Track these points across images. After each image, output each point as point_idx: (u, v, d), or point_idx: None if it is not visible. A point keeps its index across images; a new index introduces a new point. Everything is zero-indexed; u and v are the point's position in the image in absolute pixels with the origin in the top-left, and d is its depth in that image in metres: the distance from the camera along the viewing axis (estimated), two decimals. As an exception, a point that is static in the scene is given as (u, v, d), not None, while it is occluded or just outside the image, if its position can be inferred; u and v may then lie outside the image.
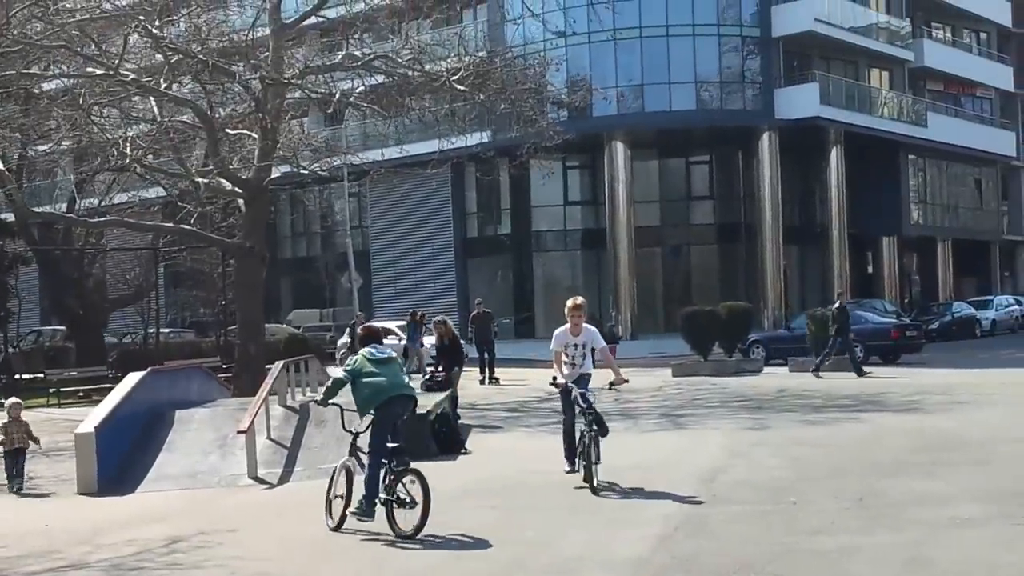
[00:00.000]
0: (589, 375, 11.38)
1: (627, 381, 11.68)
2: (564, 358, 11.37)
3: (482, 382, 25.48)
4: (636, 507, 10.18)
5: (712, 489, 10.87)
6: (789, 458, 12.76)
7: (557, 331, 11.53)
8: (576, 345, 11.34)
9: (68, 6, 22.85)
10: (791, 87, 43.36)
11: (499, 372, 26.70)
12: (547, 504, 10.53)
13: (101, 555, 9.45)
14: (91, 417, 14.17)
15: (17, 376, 31.43)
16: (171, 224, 28.26)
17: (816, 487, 10.67)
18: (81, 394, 26.26)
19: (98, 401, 23.91)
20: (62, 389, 26.36)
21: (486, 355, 26.43)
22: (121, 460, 14.02)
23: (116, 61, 22.60)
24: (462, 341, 20.11)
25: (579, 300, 11.51)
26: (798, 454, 13.03)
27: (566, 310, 11.39)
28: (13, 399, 14.64)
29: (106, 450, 13.52)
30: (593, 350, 11.48)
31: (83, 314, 34.03)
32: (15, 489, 13.51)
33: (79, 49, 23.24)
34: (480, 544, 8.88)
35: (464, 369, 19.98)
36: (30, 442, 13.96)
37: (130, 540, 9.99)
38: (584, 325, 11.34)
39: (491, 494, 11.29)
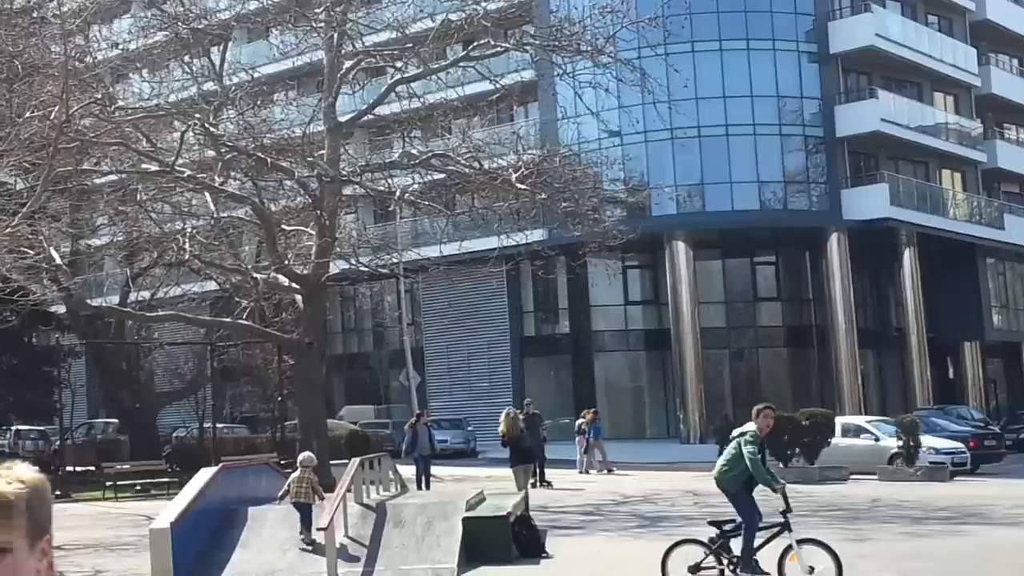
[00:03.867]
0: None
1: None
2: None
3: (533, 485, 24.37)
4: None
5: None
6: (900, 572, 11.85)
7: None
8: None
9: (121, 103, 22.97)
10: (859, 188, 42.61)
11: (558, 473, 26.13)
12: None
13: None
14: (165, 512, 14.02)
15: (70, 468, 30.94)
16: (229, 319, 28.19)
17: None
18: (138, 488, 26.04)
19: (155, 496, 24.60)
20: (118, 483, 26.01)
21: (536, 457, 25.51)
22: (196, 557, 13.84)
23: (173, 157, 22.60)
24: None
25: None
26: (909, 568, 12.40)
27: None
28: (307, 453, 15.08)
29: (181, 546, 13.34)
30: None
31: (137, 408, 33.83)
32: (303, 540, 13.90)
33: (134, 145, 23.24)
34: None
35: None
36: (315, 497, 14.28)
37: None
38: None
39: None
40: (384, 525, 14.29)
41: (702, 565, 10.25)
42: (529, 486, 23.69)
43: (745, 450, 10.32)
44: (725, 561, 10.25)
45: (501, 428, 21.97)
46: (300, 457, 14.95)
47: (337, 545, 13.27)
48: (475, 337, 44.50)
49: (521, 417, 23.96)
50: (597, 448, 29.59)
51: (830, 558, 10.02)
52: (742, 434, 10.65)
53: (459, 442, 38.36)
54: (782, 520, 10.25)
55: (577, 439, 30.23)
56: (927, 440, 26.68)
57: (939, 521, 16.90)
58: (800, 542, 10.18)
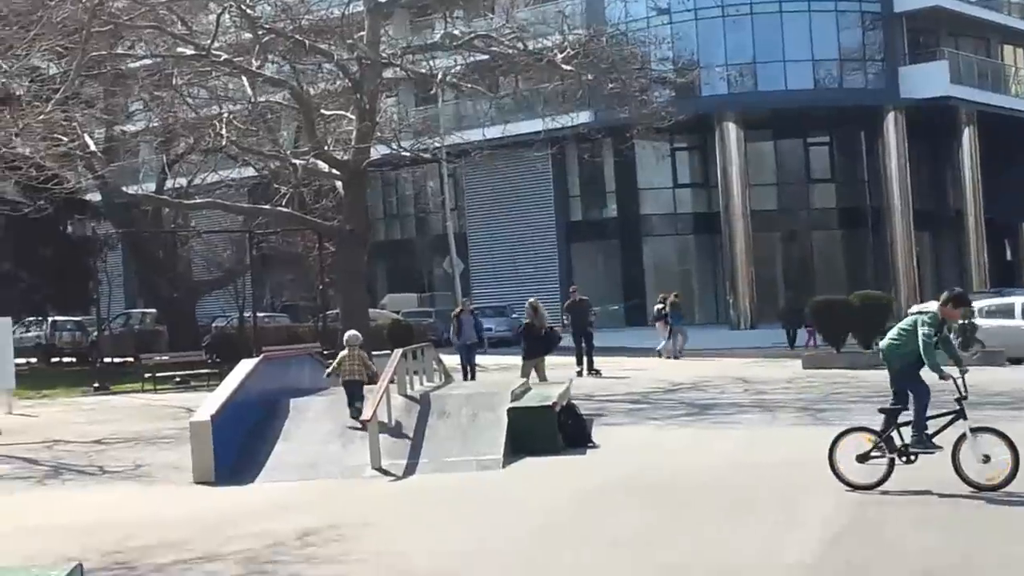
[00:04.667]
0: None
1: None
2: None
3: (579, 374, 24.03)
4: (795, 507, 9.64)
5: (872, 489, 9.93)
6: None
7: None
8: None
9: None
10: (917, 65, 41.39)
11: (605, 361, 25.58)
12: (700, 503, 10.19)
13: (233, 547, 9.15)
14: (206, 405, 13.90)
15: (108, 360, 30.86)
16: (268, 206, 27.86)
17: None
18: (178, 379, 25.88)
19: (195, 387, 24.65)
20: (157, 375, 25.82)
21: (583, 345, 25.05)
22: (238, 449, 13.67)
23: (209, 40, 22.02)
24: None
25: None
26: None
27: None
28: (352, 332, 15.01)
29: (222, 439, 13.19)
30: None
31: (175, 297, 33.56)
32: (352, 418, 13.84)
33: (169, 28, 22.60)
34: (638, 546, 8.61)
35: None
36: (367, 375, 14.28)
37: (261, 532, 9.67)
38: None
39: (639, 491, 10.94)
40: (428, 416, 14.12)
41: (871, 454, 9.87)
42: (576, 374, 23.50)
43: (920, 331, 9.79)
44: (895, 450, 9.85)
45: (529, 319, 21.54)
46: (346, 336, 14.83)
47: (380, 436, 13.07)
48: (520, 222, 43.95)
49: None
50: (679, 334, 29.34)
51: (1007, 448, 9.44)
52: (921, 312, 10.10)
53: (503, 330, 37.79)
54: (957, 407, 9.73)
55: (658, 324, 29.86)
56: None
57: (994, 407, 16.02)
58: (975, 430, 9.65)
